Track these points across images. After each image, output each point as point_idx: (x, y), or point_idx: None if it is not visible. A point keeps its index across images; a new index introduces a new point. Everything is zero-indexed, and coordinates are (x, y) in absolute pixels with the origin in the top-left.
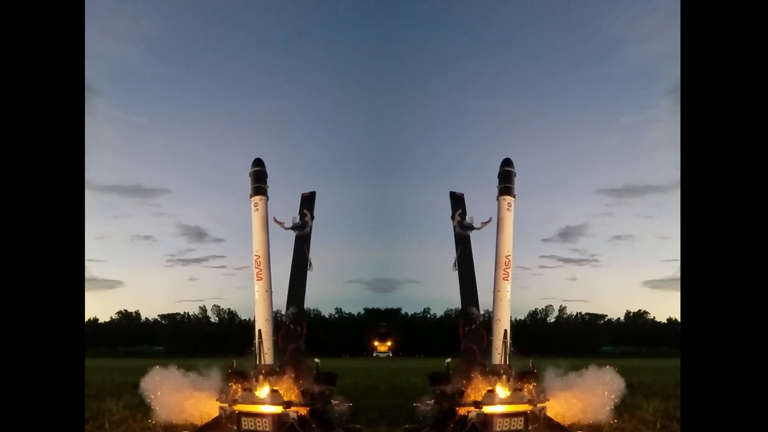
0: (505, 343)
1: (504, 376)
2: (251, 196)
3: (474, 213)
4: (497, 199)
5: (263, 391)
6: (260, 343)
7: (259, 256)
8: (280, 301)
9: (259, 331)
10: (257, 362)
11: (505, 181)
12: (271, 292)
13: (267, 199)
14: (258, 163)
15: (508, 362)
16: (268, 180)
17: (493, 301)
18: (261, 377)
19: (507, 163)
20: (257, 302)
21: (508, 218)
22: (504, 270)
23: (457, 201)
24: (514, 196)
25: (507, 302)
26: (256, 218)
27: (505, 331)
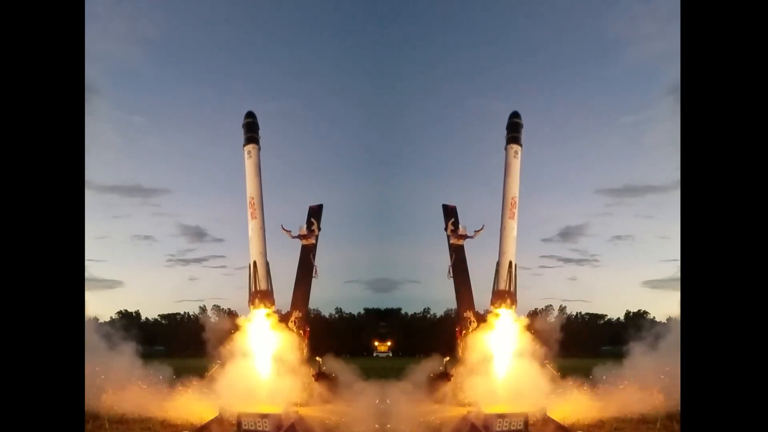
0: (510, 271)
1: (508, 300)
2: (244, 145)
3: (469, 219)
4: (505, 149)
5: (258, 311)
6: (255, 272)
7: (253, 198)
8: (282, 303)
9: (254, 262)
10: (253, 289)
11: (513, 131)
12: (264, 229)
13: (259, 149)
14: (250, 115)
15: (511, 288)
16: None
17: (500, 237)
18: (257, 300)
19: (515, 115)
20: (251, 238)
21: (515, 165)
22: (510, 210)
23: (450, 212)
24: (520, 145)
25: (513, 238)
26: (250, 165)
27: (510, 261)
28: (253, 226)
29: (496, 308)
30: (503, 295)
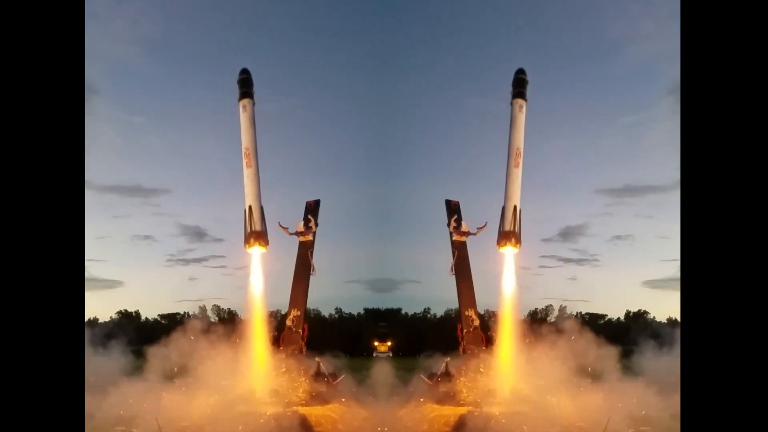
0: (514, 215)
1: (513, 239)
2: (239, 99)
3: (469, 219)
4: (510, 104)
5: (254, 249)
6: (250, 215)
7: (248, 148)
8: (282, 303)
9: (249, 206)
10: (248, 230)
11: (518, 86)
12: (258, 177)
13: (253, 103)
14: (244, 72)
15: (515, 230)
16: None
17: (506, 184)
18: (252, 240)
19: (520, 72)
20: (247, 185)
21: (520, 118)
22: (515, 160)
23: (453, 208)
24: (525, 100)
25: (517, 186)
26: (244, 118)
27: (515, 206)
28: (248, 174)
29: (501, 248)
30: (509, 235)
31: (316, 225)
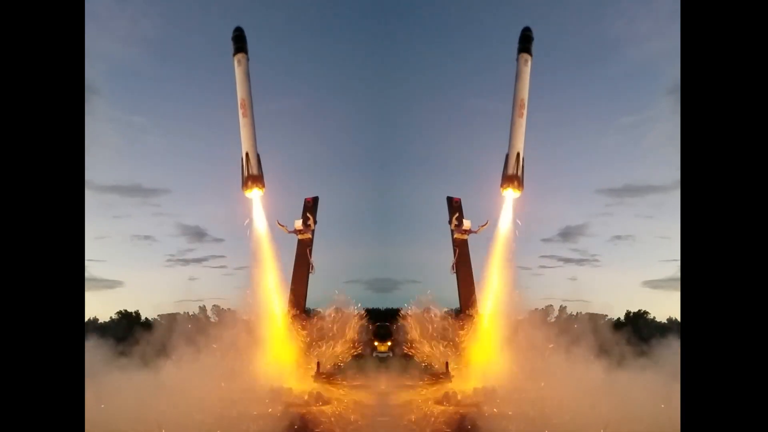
0: (517, 160)
1: (515, 182)
2: (234, 54)
3: (473, 212)
4: (516, 59)
5: (252, 192)
6: (247, 160)
7: (244, 99)
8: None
9: (246, 153)
10: (245, 174)
11: (525, 43)
12: (254, 126)
13: (248, 59)
14: (238, 29)
15: (518, 174)
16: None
17: (510, 132)
18: (250, 183)
19: (527, 29)
20: (243, 134)
21: (525, 71)
22: (519, 110)
23: (455, 206)
24: (531, 55)
25: (521, 134)
26: (239, 72)
27: (518, 153)
28: (244, 123)
29: (504, 190)
30: (512, 178)
31: (315, 223)
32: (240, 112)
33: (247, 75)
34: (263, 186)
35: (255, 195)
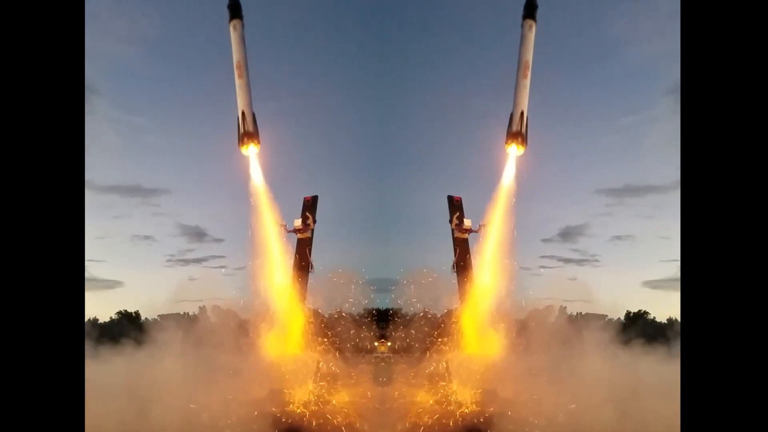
0: (521, 119)
1: (519, 138)
2: (229, 21)
3: (474, 212)
4: (521, 25)
5: (249, 148)
6: (243, 118)
7: (240, 62)
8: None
9: (242, 111)
10: (241, 131)
11: (529, 9)
12: (249, 86)
13: (243, 25)
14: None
15: (522, 130)
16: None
17: (515, 92)
18: (246, 139)
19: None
20: (239, 94)
21: (530, 36)
22: (524, 71)
23: (455, 205)
24: (535, 20)
25: (525, 94)
26: (235, 36)
27: (522, 111)
28: (240, 84)
29: (508, 146)
30: (516, 135)
31: (314, 222)
32: (236, 73)
33: (243, 39)
34: (259, 143)
35: (251, 152)
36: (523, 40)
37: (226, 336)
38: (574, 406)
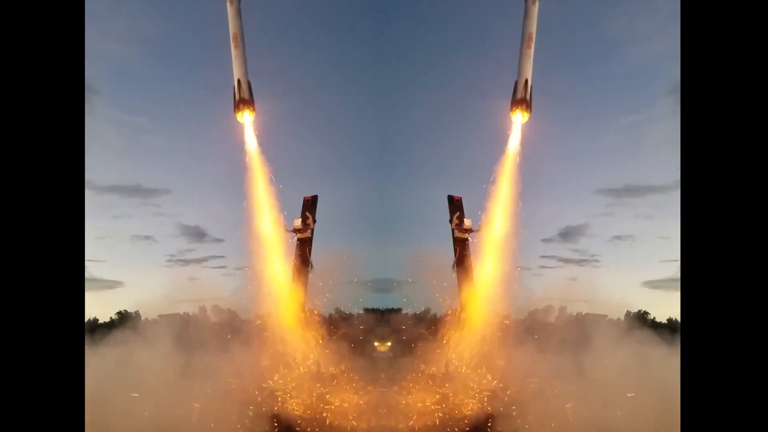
0: (525, 86)
1: (524, 104)
2: None
3: (474, 212)
4: (525, 1)
5: (244, 115)
6: (239, 86)
7: (236, 33)
8: None
9: (238, 80)
10: (238, 98)
11: None
12: (245, 56)
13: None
14: None
15: (527, 97)
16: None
17: (519, 61)
18: (241, 105)
19: None
20: (235, 63)
21: (533, 9)
22: (527, 43)
23: (456, 204)
24: None
25: (529, 63)
26: (231, 9)
27: (526, 80)
28: (236, 54)
29: (513, 113)
30: (520, 102)
31: (314, 221)
32: (232, 44)
33: (239, 12)
34: (254, 110)
35: (246, 119)
36: (527, 13)
37: (227, 336)
38: (570, 405)
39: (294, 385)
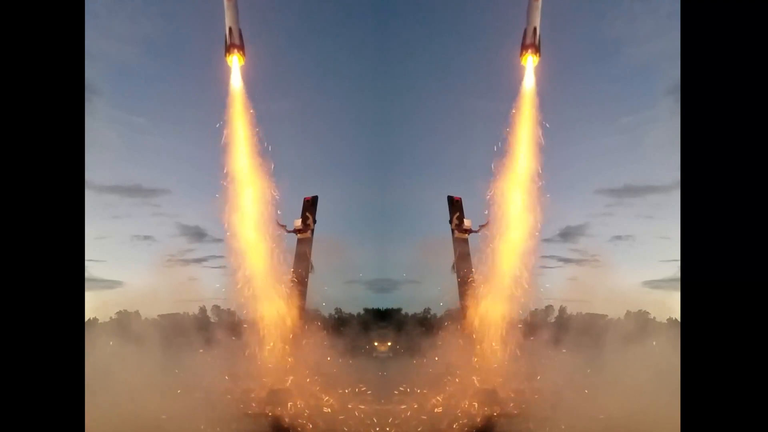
0: (534, 33)
1: (533, 48)
2: None
3: (474, 212)
4: None
5: (233, 58)
6: (230, 32)
7: (230, 27)
8: None
9: (230, 27)
10: (229, 42)
11: None
12: (237, 6)
13: None
14: None
15: (536, 42)
16: None
17: (527, 11)
18: (232, 49)
19: None
20: (227, 13)
21: (536, 5)
22: (534, 3)
23: (455, 205)
24: None
25: (537, 13)
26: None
27: (534, 27)
28: (228, 5)
29: (523, 58)
30: (530, 45)
31: (314, 221)
32: (225, 4)
33: (236, 3)
34: (243, 55)
35: (235, 62)
36: (530, 4)
37: (226, 335)
38: (570, 406)
39: (294, 385)
